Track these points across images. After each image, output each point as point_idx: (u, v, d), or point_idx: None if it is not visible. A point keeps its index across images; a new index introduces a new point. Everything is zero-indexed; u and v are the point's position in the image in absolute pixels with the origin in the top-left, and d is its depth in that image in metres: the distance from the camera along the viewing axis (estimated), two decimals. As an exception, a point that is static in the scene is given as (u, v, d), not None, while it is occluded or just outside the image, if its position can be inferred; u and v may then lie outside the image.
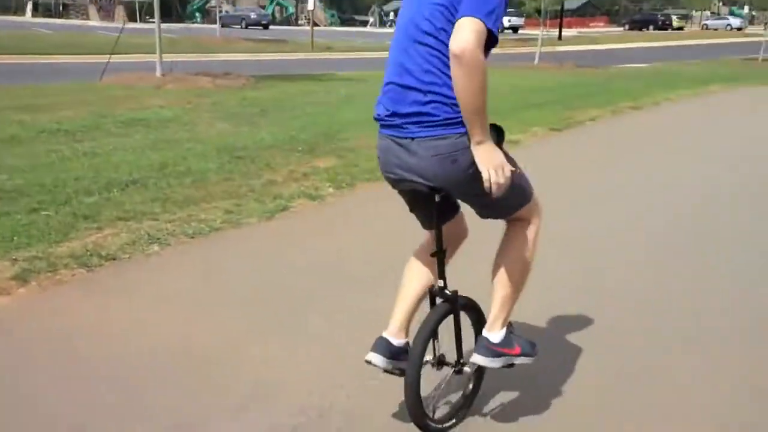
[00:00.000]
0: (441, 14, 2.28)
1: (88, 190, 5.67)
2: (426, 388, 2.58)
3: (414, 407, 2.50)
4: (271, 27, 49.20)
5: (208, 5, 64.85)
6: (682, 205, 6.22)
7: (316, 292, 4.03)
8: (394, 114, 2.41)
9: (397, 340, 2.65)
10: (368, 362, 2.64)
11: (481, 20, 2.19)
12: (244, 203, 5.67)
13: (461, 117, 2.27)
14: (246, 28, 46.14)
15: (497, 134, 2.38)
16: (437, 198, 2.45)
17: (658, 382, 3.09)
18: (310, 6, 29.47)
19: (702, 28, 63.69)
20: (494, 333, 2.58)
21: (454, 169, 2.34)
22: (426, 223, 2.66)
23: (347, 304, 3.85)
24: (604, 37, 46.66)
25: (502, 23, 2.33)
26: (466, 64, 2.17)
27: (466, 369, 2.69)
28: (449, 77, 2.25)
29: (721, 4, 76.81)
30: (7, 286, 3.92)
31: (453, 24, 2.23)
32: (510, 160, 2.39)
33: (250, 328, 3.54)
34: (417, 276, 2.70)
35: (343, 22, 72.05)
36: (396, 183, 2.53)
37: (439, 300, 2.63)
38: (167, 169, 6.45)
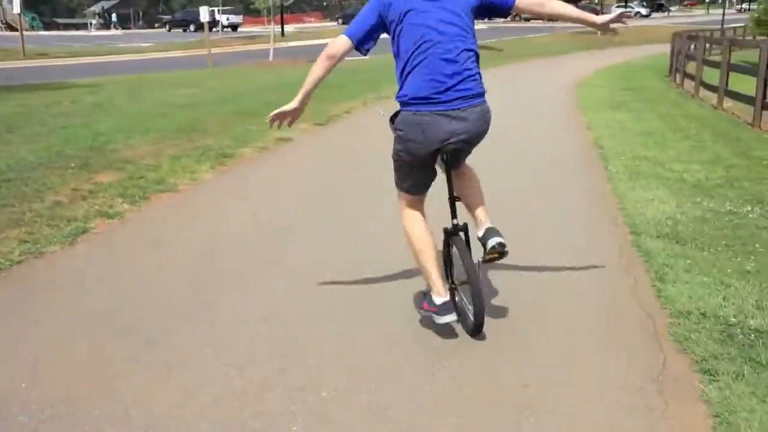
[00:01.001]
0: (471, 20, 3.39)
1: None
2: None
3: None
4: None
5: None
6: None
7: (155, 312, 3.80)
8: (440, 93, 3.26)
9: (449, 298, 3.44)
10: (445, 323, 3.38)
11: None
12: (36, 230, 5.14)
13: (483, 90, 3.39)
14: (-67, 35, 40.87)
15: None
16: (445, 156, 3.38)
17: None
18: (16, 9, 26.87)
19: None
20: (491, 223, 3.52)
21: (484, 126, 3.40)
22: (425, 187, 3.56)
23: (194, 317, 3.70)
24: (324, 31, 48.01)
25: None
26: None
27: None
28: (476, 64, 3.38)
29: None
30: None
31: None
32: None
33: (104, 361, 3.25)
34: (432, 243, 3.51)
35: (46, 26, 66.65)
36: (433, 150, 3.34)
37: (452, 235, 3.55)
38: (-75, 204, 5.63)
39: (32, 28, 60.16)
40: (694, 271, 4.27)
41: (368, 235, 5.14)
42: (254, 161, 7.95)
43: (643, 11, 75.90)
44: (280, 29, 38.24)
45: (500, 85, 16.65)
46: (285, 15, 54.09)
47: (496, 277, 4.26)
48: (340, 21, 68.23)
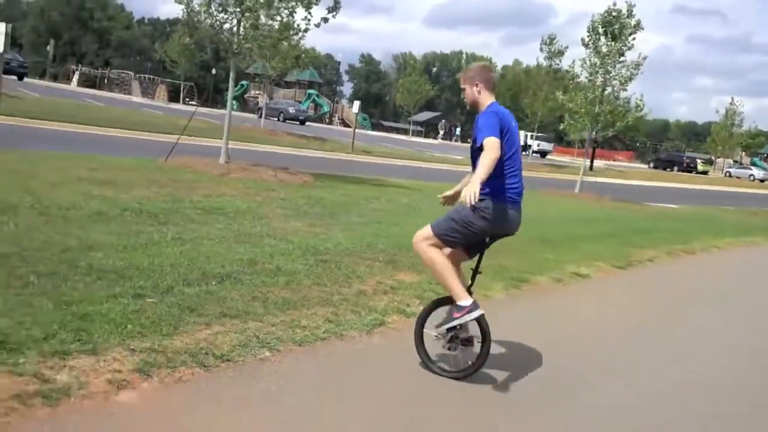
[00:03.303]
0: None
1: (186, 280, 5.57)
2: None
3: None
4: (306, 123, 50.17)
5: (247, 95, 66.77)
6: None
7: (448, 416, 3.85)
8: (521, 194, 4.47)
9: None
10: (479, 315, 4.39)
11: None
12: (341, 313, 5.55)
13: None
14: (283, 121, 46.96)
15: None
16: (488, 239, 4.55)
17: None
18: (355, 109, 30.21)
19: (725, 175, 64.46)
20: None
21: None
22: (466, 254, 4.64)
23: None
24: (632, 172, 47.31)
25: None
26: None
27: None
28: None
29: (743, 153, 78.04)
30: (130, 378, 3.79)
31: None
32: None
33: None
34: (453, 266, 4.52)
35: (373, 127, 73.72)
36: (502, 233, 4.53)
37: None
38: (257, 266, 6.35)
39: (362, 127, 66.93)
40: None
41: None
42: (548, 292, 7.89)
43: None
44: (589, 162, 38.32)
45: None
46: (596, 150, 54.15)
47: None
48: (652, 165, 66.63)
